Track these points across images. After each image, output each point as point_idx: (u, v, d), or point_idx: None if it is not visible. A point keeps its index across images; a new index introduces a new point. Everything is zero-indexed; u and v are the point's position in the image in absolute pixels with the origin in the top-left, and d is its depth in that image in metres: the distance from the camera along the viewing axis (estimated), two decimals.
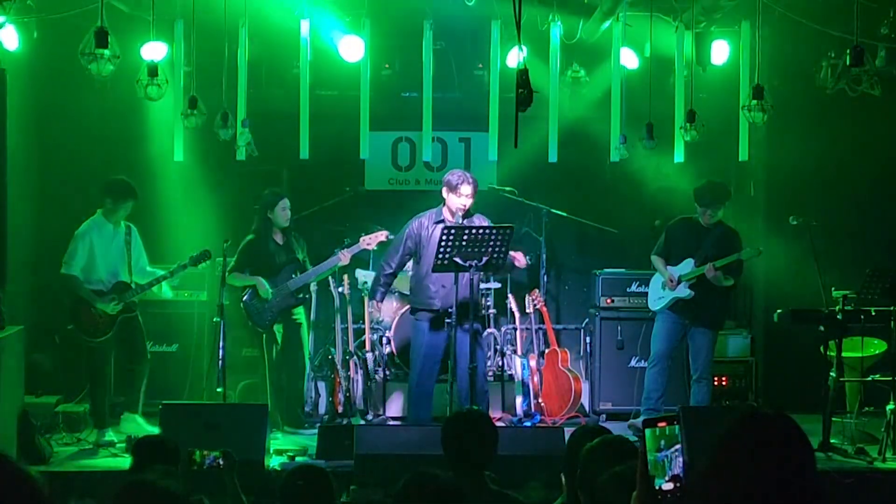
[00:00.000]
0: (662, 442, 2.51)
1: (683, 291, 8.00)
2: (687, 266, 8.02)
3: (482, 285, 8.34)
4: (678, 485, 2.48)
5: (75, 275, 7.73)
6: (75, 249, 7.75)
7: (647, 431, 2.52)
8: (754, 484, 2.27)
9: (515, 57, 8.56)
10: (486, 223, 7.72)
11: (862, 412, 8.15)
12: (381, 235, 8.17)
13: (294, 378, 8.31)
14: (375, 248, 8.25)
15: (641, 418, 7.94)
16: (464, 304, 7.41)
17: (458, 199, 7.61)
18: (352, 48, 8.72)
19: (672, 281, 8.01)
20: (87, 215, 8.32)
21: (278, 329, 8.17)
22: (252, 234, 8.27)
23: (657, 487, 2.49)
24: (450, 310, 7.38)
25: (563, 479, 3.87)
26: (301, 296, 8.28)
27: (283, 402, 8.20)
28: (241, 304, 8.12)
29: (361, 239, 8.18)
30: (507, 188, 9.63)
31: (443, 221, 7.65)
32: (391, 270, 7.88)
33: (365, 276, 8.69)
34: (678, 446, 2.51)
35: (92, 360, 7.90)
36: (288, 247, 8.25)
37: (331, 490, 4.14)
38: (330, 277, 8.51)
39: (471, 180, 7.63)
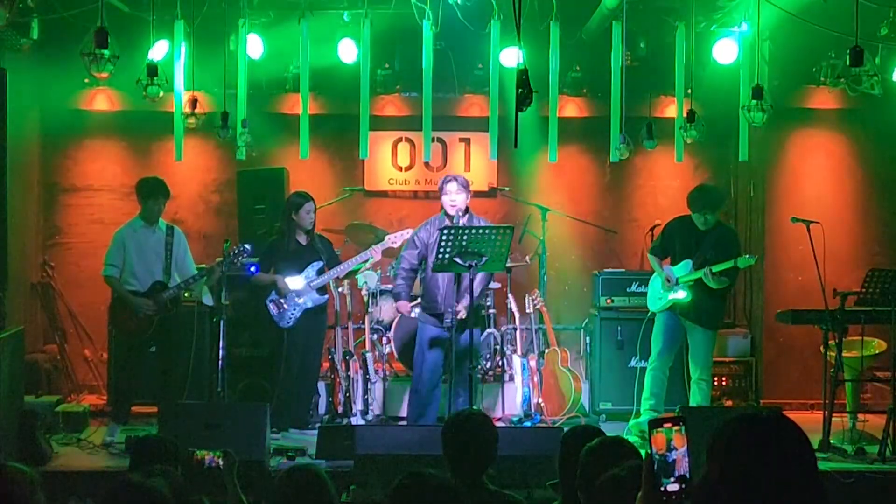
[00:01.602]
0: (669, 442, 2.50)
1: (681, 293, 8.01)
2: (685, 268, 8.02)
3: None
4: (684, 486, 2.47)
5: (112, 275, 7.82)
6: (110, 251, 7.87)
7: (654, 432, 2.51)
8: (754, 486, 2.26)
9: (510, 56, 8.55)
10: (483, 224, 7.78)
11: (862, 412, 8.15)
12: (406, 234, 8.17)
13: (310, 379, 8.30)
14: (399, 245, 8.25)
15: (643, 418, 7.94)
16: (465, 305, 7.41)
17: (448, 198, 7.71)
18: (347, 50, 8.74)
19: (669, 281, 8.02)
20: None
21: (303, 329, 8.16)
22: (275, 235, 8.28)
23: (663, 488, 2.48)
24: (450, 310, 7.39)
25: (559, 479, 3.87)
26: (324, 296, 8.28)
27: (295, 403, 8.19)
28: (266, 304, 8.12)
29: (387, 237, 8.19)
30: (507, 188, 9.65)
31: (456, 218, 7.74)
32: (410, 265, 7.87)
33: (365, 277, 8.69)
34: (685, 447, 2.49)
35: (127, 358, 7.93)
36: (312, 247, 8.24)
37: (326, 491, 4.12)
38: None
39: (457, 179, 7.74)
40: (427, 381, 7.82)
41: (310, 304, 8.14)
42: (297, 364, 8.15)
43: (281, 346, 8.15)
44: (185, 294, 8.25)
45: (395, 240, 8.15)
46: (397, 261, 8.30)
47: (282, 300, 8.09)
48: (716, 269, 7.80)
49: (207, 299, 8.60)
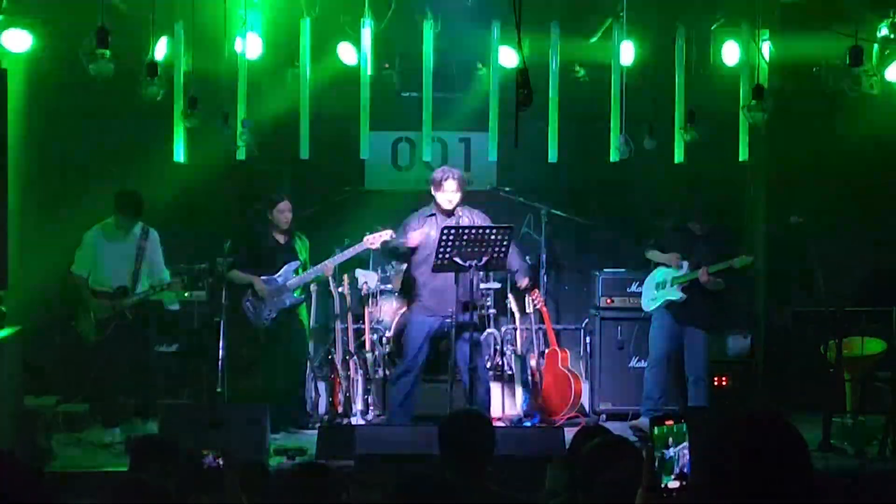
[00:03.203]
0: (670, 440, 2.50)
1: (675, 294, 8.01)
2: (682, 268, 8.03)
3: (482, 285, 8.33)
4: (684, 483, 2.48)
5: (79, 274, 7.84)
6: (80, 250, 7.90)
7: (655, 429, 2.52)
8: (751, 486, 2.27)
9: (510, 56, 8.54)
10: (479, 220, 7.77)
11: (861, 412, 8.14)
12: (385, 234, 8.19)
13: (295, 378, 8.31)
14: (379, 247, 8.27)
15: (643, 419, 7.95)
16: (463, 304, 7.41)
17: (444, 195, 7.72)
18: (347, 52, 8.75)
19: (677, 264, 8.01)
20: (88, 216, 8.35)
21: (279, 329, 8.17)
22: (253, 234, 8.30)
23: (664, 485, 2.49)
24: (449, 309, 7.39)
25: (563, 479, 3.88)
26: (301, 296, 8.28)
27: (285, 403, 8.19)
28: (242, 303, 8.13)
29: (365, 238, 8.19)
30: (507, 188, 9.65)
31: (434, 216, 7.71)
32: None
33: (365, 277, 8.70)
34: (685, 444, 2.50)
35: (93, 360, 7.92)
36: (290, 247, 8.26)
37: (327, 489, 4.11)
38: (330, 277, 8.52)
39: (455, 175, 7.75)
40: (412, 369, 7.78)
41: (286, 304, 8.15)
42: (280, 364, 8.16)
43: (260, 347, 8.19)
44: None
45: (372, 241, 8.16)
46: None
47: (257, 300, 8.10)
48: (712, 269, 7.81)
49: (173, 305, 8.57)
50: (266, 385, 8.17)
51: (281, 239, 8.25)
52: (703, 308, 8.02)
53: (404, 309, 8.64)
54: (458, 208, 7.80)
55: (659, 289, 8.11)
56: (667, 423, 2.53)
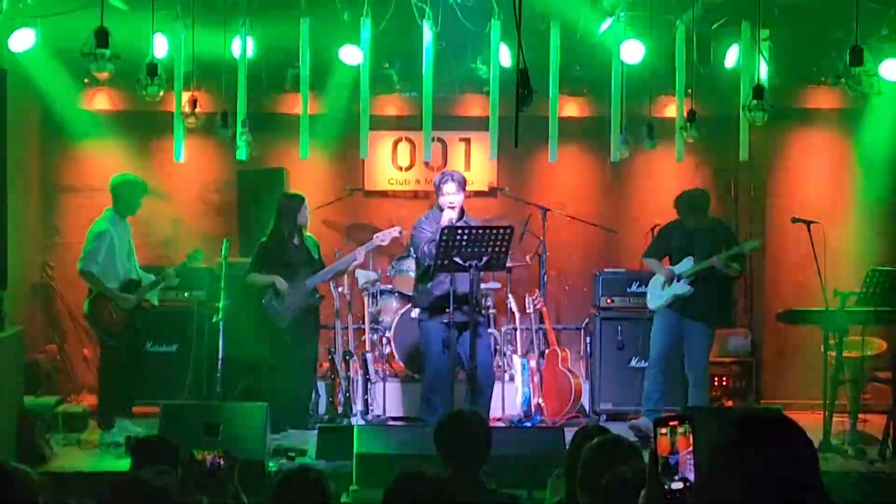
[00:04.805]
0: (674, 442, 2.49)
1: (683, 288, 8.00)
2: (687, 264, 8.02)
3: (482, 285, 8.31)
4: (688, 485, 2.46)
5: (92, 271, 7.76)
6: (97, 248, 7.78)
7: (658, 430, 2.51)
8: (756, 486, 2.26)
9: (509, 55, 8.53)
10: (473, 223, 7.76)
11: (862, 412, 8.14)
12: (394, 231, 8.20)
13: (307, 379, 8.30)
14: (387, 243, 8.27)
15: (643, 419, 7.94)
16: (463, 302, 7.39)
17: (446, 199, 7.67)
18: (349, 54, 8.73)
19: (671, 277, 8.02)
20: (87, 215, 8.35)
21: (298, 327, 8.16)
22: (268, 236, 8.26)
23: (667, 487, 2.47)
24: (447, 309, 7.37)
25: (564, 479, 3.88)
26: (318, 295, 8.29)
27: (294, 403, 8.19)
28: (262, 305, 8.11)
29: (375, 236, 8.20)
30: (507, 188, 9.65)
31: (449, 220, 7.67)
32: (431, 238, 7.60)
33: (365, 277, 8.69)
34: (689, 448, 2.48)
35: (106, 359, 7.91)
36: (304, 247, 8.25)
37: (325, 492, 4.12)
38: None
39: (454, 178, 7.71)
40: (441, 382, 7.68)
41: (307, 303, 8.15)
42: (292, 364, 8.15)
43: (276, 347, 8.16)
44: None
45: (382, 238, 8.16)
46: (399, 259, 8.31)
47: (280, 299, 8.09)
48: (725, 254, 7.82)
49: (155, 301, 8.56)
50: (284, 384, 8.12)
51: (296, 240, 8.25)
52: (709, 301, 8.00)
53: (405, 309, 8.64)
54: (463, 219, 7.74)
55: (666, 286, 8.10)
56: (671, 423, 2.51)
